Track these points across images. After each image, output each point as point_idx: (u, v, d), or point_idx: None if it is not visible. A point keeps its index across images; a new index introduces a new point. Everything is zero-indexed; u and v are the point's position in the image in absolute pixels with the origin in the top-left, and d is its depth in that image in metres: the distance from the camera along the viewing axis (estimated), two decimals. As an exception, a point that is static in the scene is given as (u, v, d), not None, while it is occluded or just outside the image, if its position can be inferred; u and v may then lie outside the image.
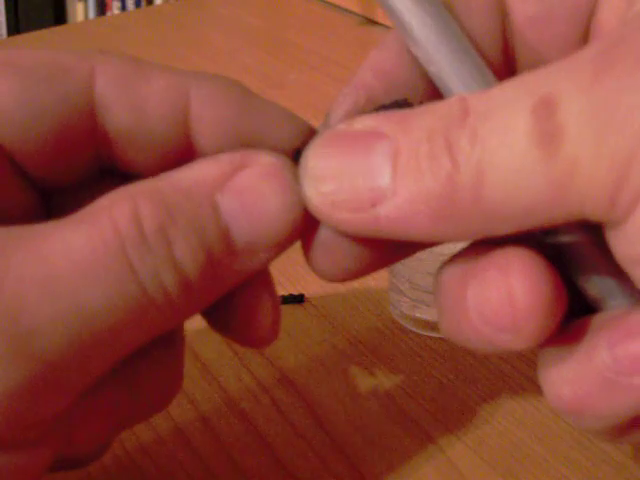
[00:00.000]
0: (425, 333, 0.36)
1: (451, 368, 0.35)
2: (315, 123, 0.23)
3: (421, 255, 0.36)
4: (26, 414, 0.19)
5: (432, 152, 0.18)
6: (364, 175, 0.19)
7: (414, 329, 0.37)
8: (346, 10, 0.74)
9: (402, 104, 0.21)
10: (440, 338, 0.36)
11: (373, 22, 0.71)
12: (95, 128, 0.22)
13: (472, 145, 0.18)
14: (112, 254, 0.19)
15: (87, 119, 0.22)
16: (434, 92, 0.22)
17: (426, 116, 0.19)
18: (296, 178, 0.21)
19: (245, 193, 0.20)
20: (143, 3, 1.42)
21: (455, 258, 0.21)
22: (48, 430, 0.20)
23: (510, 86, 0.18)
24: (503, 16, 0.22)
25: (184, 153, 0.22)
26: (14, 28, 1.41)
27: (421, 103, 0.20)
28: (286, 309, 0.38)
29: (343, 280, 0.23)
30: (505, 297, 0.19)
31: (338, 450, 0.31)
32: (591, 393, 0.19)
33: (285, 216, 0.21)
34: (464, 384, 0.34)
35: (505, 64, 0.23)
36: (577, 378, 0.20)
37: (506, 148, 0.17)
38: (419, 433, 0.32)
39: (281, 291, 0.39)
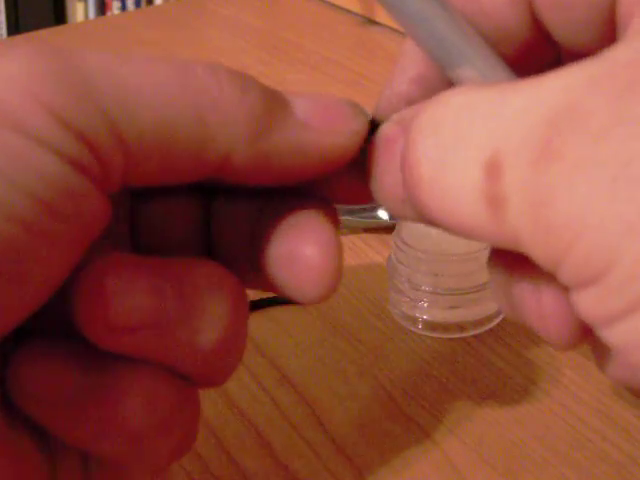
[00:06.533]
0: (425, 333, 0.36)
1: (451, 368, 0.35)
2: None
3: (421, 255, 0.36)
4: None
5: (409, 159, 0.20)
6: (392, 175, 0.21)
7: (414, 329, 0.37)
8: (346, 10, 0.74)
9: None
10: (440, 338, 0.36)
11: (373, 22, 0.71)
12: None
13: (433, 169, 0.19)
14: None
15: None
16: None
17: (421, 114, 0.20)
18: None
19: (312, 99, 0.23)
20: (143, 3, 1.42)
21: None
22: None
23: (471, 124, 0.18)
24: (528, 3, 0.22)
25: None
26: (14, 28, 1.41)
27: None
28: (286, 309, 0.38)
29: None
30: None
31: (338, 450, 0.31)
32: None
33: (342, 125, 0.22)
34: (464, 384, 0.34)
35: (542, 47, 0.23)
36: None
37: (459, 198, 0.18)
38: (419, 433, 0.32)
39: (281, 291, 0.39)
